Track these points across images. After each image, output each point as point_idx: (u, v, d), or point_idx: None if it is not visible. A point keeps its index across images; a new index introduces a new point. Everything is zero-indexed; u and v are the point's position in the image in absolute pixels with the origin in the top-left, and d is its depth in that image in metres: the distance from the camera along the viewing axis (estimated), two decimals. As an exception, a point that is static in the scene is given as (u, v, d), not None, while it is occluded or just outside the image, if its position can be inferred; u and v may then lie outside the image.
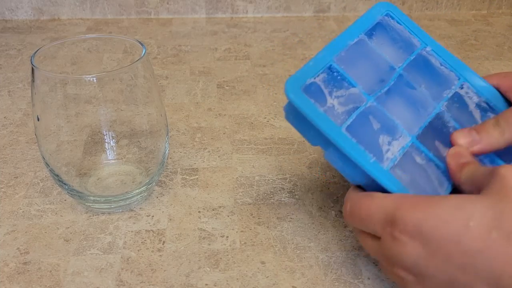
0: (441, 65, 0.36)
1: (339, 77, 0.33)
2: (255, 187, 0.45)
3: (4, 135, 0.52)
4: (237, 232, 0.40)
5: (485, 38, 0.79)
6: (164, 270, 0.36)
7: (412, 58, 0.36)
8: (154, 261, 0.37)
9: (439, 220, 0.27)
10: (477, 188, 0.29)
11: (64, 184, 0.40)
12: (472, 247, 0.26)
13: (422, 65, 0.35)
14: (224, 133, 0.53)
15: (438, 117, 0.34)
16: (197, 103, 0.59)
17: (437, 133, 0.33)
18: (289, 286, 0.35)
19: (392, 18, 0.37)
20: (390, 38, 0.36)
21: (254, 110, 0.57)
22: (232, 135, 0.52)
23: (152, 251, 0.38)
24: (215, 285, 0.35)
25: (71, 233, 0.40)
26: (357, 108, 0.32)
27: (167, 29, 0.80)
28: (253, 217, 0.41)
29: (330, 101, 0.32)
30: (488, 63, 0.70)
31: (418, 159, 0.32)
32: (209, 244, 0.39)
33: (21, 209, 0.42)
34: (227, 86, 0.63)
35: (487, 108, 0.35)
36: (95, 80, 0.36)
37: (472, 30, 0.82)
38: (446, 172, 0.32)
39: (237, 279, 0.36)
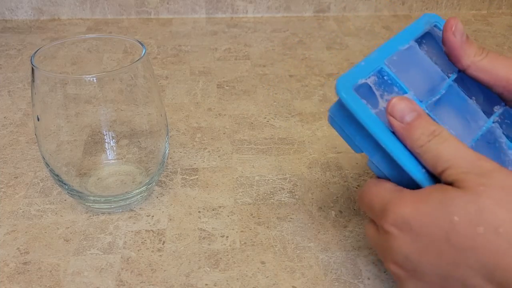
0: None
1: (389, 81, 0.32)
2: (255, 187, 0.45)
3: (4, 135, 0.52)
4: (237, 232, 0.40)
5: (485, 38, 0.79)
6: (164, 270, 0.36)
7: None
8: (154, 261, 0.37)
9: (425, 216, 0.27)
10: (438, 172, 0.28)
11: (64, 184, 0.40)
12: (461, 243, 0.26)
13: (471, 78, 0.34)
14: (224, 133, 0.53)
15: (490, 131, 0.33)
16: (197, 103, 0.59)
17: (489, 147, 0.32)
18: (289, 286, 0.35)
19: (440, 30, 0.35)
20: (440, 49, 0.35)
21: (254, 110, 0.57)
22: (232, 135, 0.52)
23: (152, 251, 0.38)
24: (215, 285, 0.35)
25: (71, 233, 0.40)
26: None
27: (167, 29, 0.80)
28: (253, 217, 0.42)
29: (382, 104, 0.31)
30: (488, 63, 0.70)
31: None
32: (209, 244, 0.39)
33: (21, 209, 0.42)
34: (227, 86, 0.63)
35: None
36: (95, 80, 0.36)
37: (472, 30, 0.82)
38: None
39: (237, 279, 0.36)
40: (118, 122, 0.42)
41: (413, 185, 0.30)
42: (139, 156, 0.44)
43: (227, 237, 0.39)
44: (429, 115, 0.30)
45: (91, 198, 0.41)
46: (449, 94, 0.33)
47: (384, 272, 0.37)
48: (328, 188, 0.45)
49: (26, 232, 0.40)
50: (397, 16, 0.88)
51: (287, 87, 0.63)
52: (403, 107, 0.29)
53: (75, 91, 0.38)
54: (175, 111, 0.57)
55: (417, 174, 0.30)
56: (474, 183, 0.26)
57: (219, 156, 0.49)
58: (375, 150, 0.31)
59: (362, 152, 0.32)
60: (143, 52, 0.38)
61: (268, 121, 0.55)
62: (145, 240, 0.39)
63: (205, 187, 0.45)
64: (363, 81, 0.31)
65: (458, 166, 0.27)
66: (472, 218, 0.26)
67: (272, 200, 0.43)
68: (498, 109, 0.34)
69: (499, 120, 0.33)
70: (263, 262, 0.37)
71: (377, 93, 0.31)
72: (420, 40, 0.34)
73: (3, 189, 0.44)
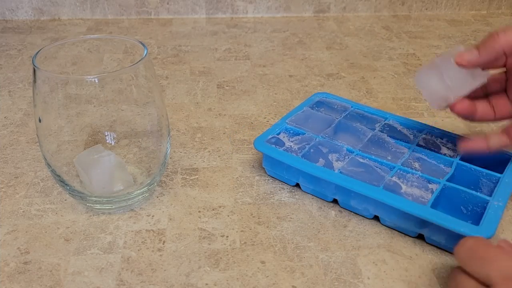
0: (369, 113, 0.50)
1: (292, 132, 0.47)
2: (255, 187, 0.45)
3: (4, 135, 0.52)
4: (237, 231, 0.40)
5: (484, 39, 0.79)
6: (164, 270, 0.37)
7: (347, 112, 0.50)
8: (154, 261, 0.37)
9: None
10: None
11: (66, 184, 0.40)
12: None
13: (355, 115, 0.50)
14: (224, 133, 0.53)
15: (374, 135, 0.46)
16: (197, 103, 0.59)
17: (375, 144, 0.46)
18: (289, 285, 0.35)
19: (328, 98, 0.53)
20: (328, 107, 0.51)
21: (254, 110, 0.57)
22: (232, 135, 0.53)
23: (152, 251, 0.38)
24: (215, 285, 0.35)
25: (71, 232, 0.40)
26: (309, 143, 0.45)
27: (167, 29, 0.80)
28: (253, 216, 0.42)
29: (288, 144, 0.45)
30: (487, 64, 0.70)
31: (362, 160, 0.43)
32: (209, 244, 0.39)
33: (21, 209, 0.42)
34: (227, 86, 0.63)
35: (406, 130, 0.48)
36: (96, 81, 0.36)
37: (472, 30, 0.82)
38: (387, 164, 0.43)
39: (237, 278, 0.36)
40: (118, 122, 0.42)
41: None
42: (139, 157, 0.44)
43: (227, 236, 0.40)
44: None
45: (93, 198, 0.41)
46: (340, 125, 0.48)
47: (384, 271, 0.37)
48: (328, 188, 0.45)
49: (26, 231, 0.40)
50: (397, 16, 0.88)
51: (287, 87, 0.63)
52: None
53: (76, 91, 0.38)
54: (175, 111, 0.57)
55: (323, 174, 0.41)
56: None
57: (219, 156, 0.49)
58: (298, 176, 0.44)
59: (294, 182, 0.45)
60: (145, 52, 0.38)
61: (268, 121, 0.55)
62: (145, 240, 0.39)
63: (205, 187, 0.45)
64: (272, 136, 0.46)
65: None
66: None
67: (272, 200, 0.43)
68: (378, 125, 0.48)
69: (380, 129, 0.48)
70: (263, 262, 0.37)
71: (284, 139, 0.46)
72: (312, 106, 0.51)
73: (3, 189, 0.45)
